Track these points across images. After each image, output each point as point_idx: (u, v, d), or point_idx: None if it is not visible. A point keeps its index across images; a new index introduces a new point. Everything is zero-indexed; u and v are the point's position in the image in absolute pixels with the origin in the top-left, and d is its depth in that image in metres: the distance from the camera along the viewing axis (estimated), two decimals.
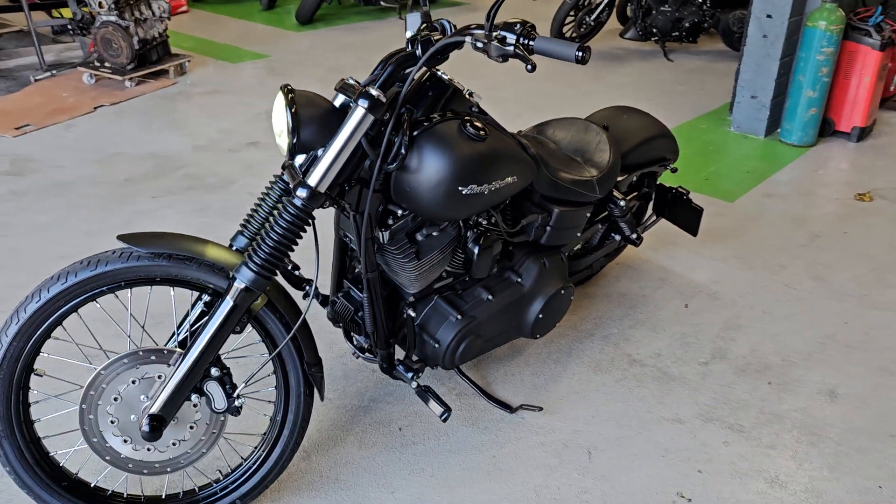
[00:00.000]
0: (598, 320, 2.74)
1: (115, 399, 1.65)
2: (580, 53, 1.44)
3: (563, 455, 2.12)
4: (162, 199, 3.58)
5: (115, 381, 1.65)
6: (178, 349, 1.68)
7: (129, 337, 1.79)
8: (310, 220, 1.66)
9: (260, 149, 4.20)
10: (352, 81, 1.78)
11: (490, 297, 2.16)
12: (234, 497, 1.84)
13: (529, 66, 1.45)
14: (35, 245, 3.15)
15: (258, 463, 1.85)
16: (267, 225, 1.70)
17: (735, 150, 4.46)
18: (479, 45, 1.52)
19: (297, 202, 1.63)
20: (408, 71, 1.73)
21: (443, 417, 2.01)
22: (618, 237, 2.70)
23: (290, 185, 1.70)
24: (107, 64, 5.07)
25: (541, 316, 2.29)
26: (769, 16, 4.43)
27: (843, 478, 2.07)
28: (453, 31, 1.87)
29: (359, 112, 1.62)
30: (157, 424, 1.62)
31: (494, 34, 1.51)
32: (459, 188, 1.79)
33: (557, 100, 5.27)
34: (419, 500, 1.96)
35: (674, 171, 2.80)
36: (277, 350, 1.74)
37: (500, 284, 2.21)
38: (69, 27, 5.26)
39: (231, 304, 1.62)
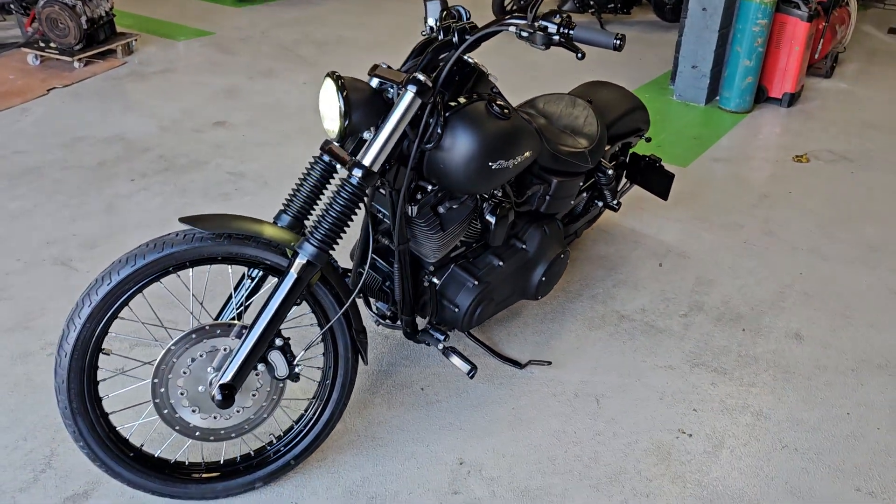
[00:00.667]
0: (584, 281, 2.95)
1: (185, 372, 1.76)
2: (618, 41, 1.61)
3: (575, 403, 2.33)
4: (139, 182, 3.59)
5: (184, 355, 1.75)
6: (237, 322, 1.79)
7: (191, 314, 1.89)
8: (364, 198, 1.79)
9: (227, 129, 4.23)
10: (385, 66, 1.90)
11: (500, 263, 2.33)
12: (288, 458, 1.97)
13: (580, 55, 1.61)
14: (17, 232, 3.13)
15: (310, 425, 1.98)
16: (325, 203, 1.82)
17: (680, 118, 4.74)
18: (525, 34, 1.67)
19: (354, 181, 1.76)
20: (443, 56, 1.86)
21: (470, 374, 2.19)
22: (600, 203, 2.91)
23: (337, 165, 1.83)
24: (52, 44, 4.94)
25: (543, 279, 2.48)
26: None
27: (816, 408, 2.36)
28: (468, 17, 2.01)
29: (409, 96, 1.75)
30: (229, 393, 1.73)
31: (536, 24, 1.66)
32: (489, 163, 1.95)
33: (509, 74, 5.44)
34: (453, 451, 2.13)
35: (648, 140, 3.03)
36: (335, 318, 1.87)
37: (508, 251, 2.39)
38: (10, 5, 5.08)
39: (295, 277, 1.74)
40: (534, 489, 2.02)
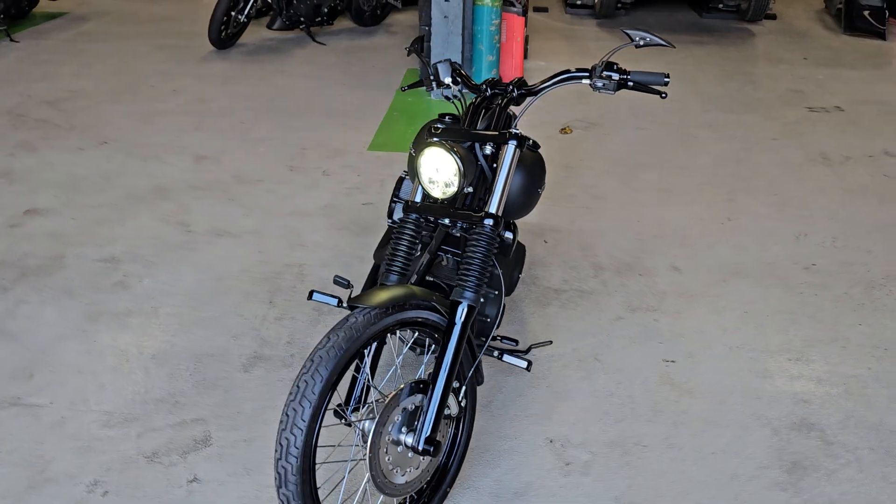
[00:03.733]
0: None
1: (387, 438, 1.90)
2: (667, 79, 2.09)
3: (584, 366, 2.84)
4: (6, 296, 3.17)
5: (388, 422, 1.89)
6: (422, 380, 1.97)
7: (372, 386, 1.98)
8: (497, 240, 2.06)
9: (45, 215, 3.81)
10: (441, 126, 2.17)
11: (500, 271, 2.72)
12: (444, 486, 2.18)
13: (663, 95, 2.07)
14: None
15: (456, 447, 2.20)
16: (467, 253, 2.03)
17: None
18: (600, 84, 2.08)
19: (487, 230, 2.02)
20: (514, 107, 2.20)
21: (528, 368, 2.56)
22: None
23: (437, 221, 2.07)
24: None
25: (518, 275, 2.91)
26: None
27: (724, 313, 3.16)
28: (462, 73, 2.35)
29: (512, 149, 2.06)
30: (435, 443, 1.92)
31: (605, 74, 2.07)
32: (539, 189, 2.33)
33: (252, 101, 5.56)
34: (537, 435, 2.50)
35: None
36: (481, 354, 2.11)
37: (498, 259, 2.78)
38: None
39: (461, 323, 1.97)
40: (615, 438, 2.50)
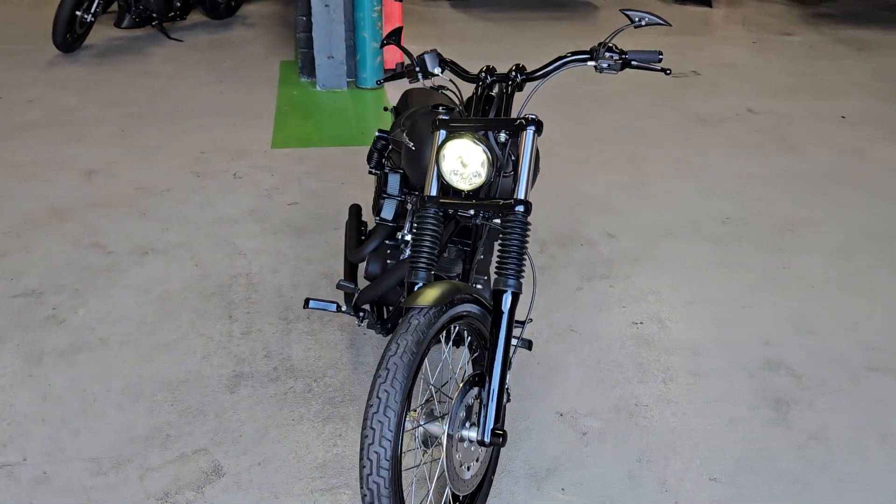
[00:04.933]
0: None
1: (456, 436, 1.87)
2: (660, 56, 2.16)
3: (565, 339, 2.92)
4: None
5: (455, 420, 1.86)
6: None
7: (432, 385, 1.93)
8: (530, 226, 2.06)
9: None
10: (443, 109, 2.16)
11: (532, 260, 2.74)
12: (489, 474, 2.18)
13: (668, 72, 2.13)
14: None
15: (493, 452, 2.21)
16: (501, 244, 2.02)
17: (343, 104, 5.27)
18: (605, 65, 2.12)
19: (519, 216, 2.01)
20: (519, 92, 2.19)
21: (530, 348, 2.58)
22: None
23: (460, 213, 2.05)
24: None
25: None
26: None
27: (668, 271, 3.36)
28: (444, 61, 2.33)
29: (531, 134, 2.05)
30: (502, 434, 1.92)
31: (608, 55, 2.11)
32: (537, 172, 2.35)
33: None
34: (548, 411, 2.56)
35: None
36: (521, 333, 2.12)
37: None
38: None
39: (508, 310, 1.97)
40: (617, 403, 2.60)
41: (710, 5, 8.53)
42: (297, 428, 2.45)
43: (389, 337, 1.84)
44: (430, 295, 1.86)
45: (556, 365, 2.78)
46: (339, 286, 2.48)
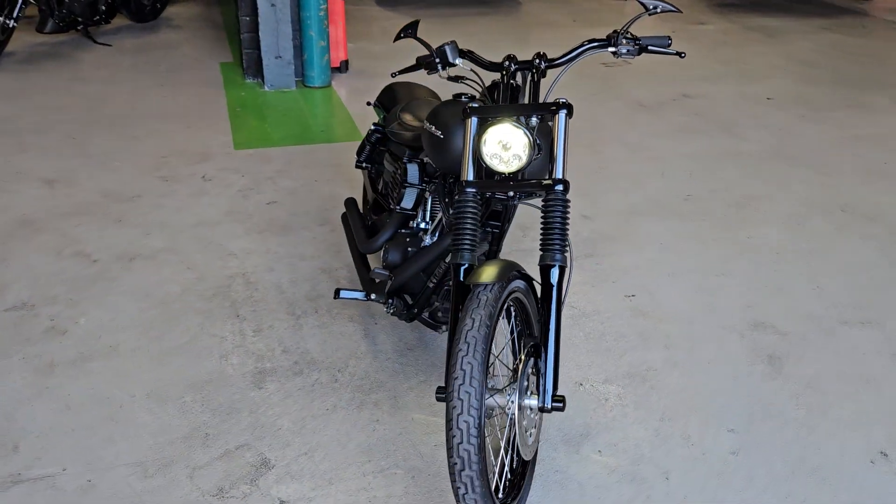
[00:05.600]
0: None
1: (519, 407, 1.99)
2: (670, 41, 2.32)
3: (569, 315, 3.06)
4: None
5: (520, 391, 1.97)
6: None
7: (498, 359, 2.02)
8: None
9: None
10: (468, 97, 2.26)
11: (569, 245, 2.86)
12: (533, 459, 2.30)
13: (682, 55, 2.28)
14: None
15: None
16: (544, 222, 2.13)
17: (296, 103, 5.27)
18: (624, 50, 2.25)
19: (560, 195, 2.13)
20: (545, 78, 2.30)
21: None
22: None
23: (502, 194, 2.16)
24: None
25: None
26: None
27: (645, 248, 3.57)
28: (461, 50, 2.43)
29: (563, 117, 2.17)
30: (562, 399, 2.04)
31: (625, 41, 2.25)
32: None
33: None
34: (582, 370, 2.70)
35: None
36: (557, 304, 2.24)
37: None
38: None
39: (557, 284, 2.08)
40: (629, 370, 2.77)
41: None
42: (333, 417, 2.50)
43: (461, 313, 1.91)
44: (492, 272, 1.96)
45: (565, 339, 2.92)
46: (372, 275, 2.54)
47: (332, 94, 5.45)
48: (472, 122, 2.21)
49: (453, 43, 2.40)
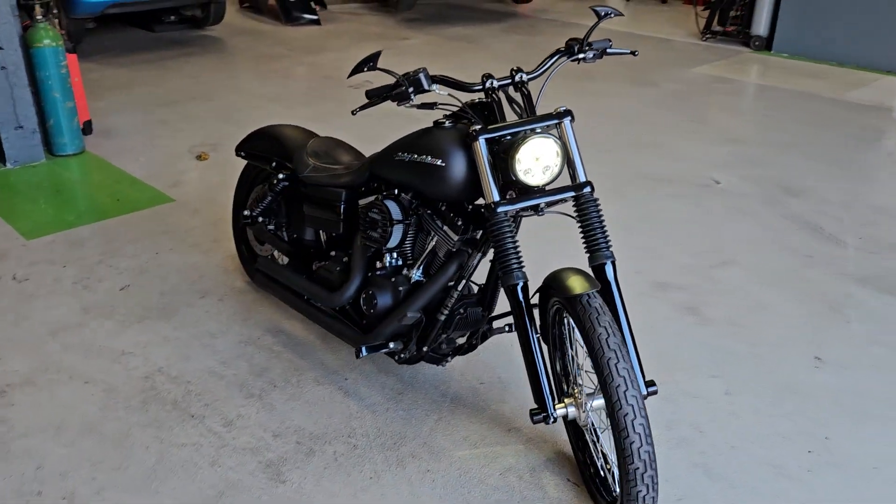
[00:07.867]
0: None
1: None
2: (611, 42, 2.48)
3: None
4: None
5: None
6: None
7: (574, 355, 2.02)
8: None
9: None
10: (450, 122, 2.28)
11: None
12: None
13: (635, 53, 2.44)
14: None
15: None
16: (583, 224, 2.17)
17: (59, 176, 4.56)
18: (590, 55, 2.37)
19: (589, 196, 2.20)
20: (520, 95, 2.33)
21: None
22: None
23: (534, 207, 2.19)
24: None
25: None
26: (1, 48, 4.40)
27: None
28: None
29: (569, 124, 2.24)
30: (653, 382, 2.14)
31: (586, 48, 2.37)
32: None
33: None
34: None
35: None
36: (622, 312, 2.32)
37: None
38: None
39: (614, 279, 2.17)
40: (681, 322, 2.95)
41: (319, 23, 9.01)
42: (383, 482, 2.31)
43: (588, 323, 1.92)
44: (582, 280, 2.01)
45: None
46: (405, 321, 2.40)
47: (94, 159, 4.78)
48: (482, 143, 2.20)
49: (424, 69, 2.35)
